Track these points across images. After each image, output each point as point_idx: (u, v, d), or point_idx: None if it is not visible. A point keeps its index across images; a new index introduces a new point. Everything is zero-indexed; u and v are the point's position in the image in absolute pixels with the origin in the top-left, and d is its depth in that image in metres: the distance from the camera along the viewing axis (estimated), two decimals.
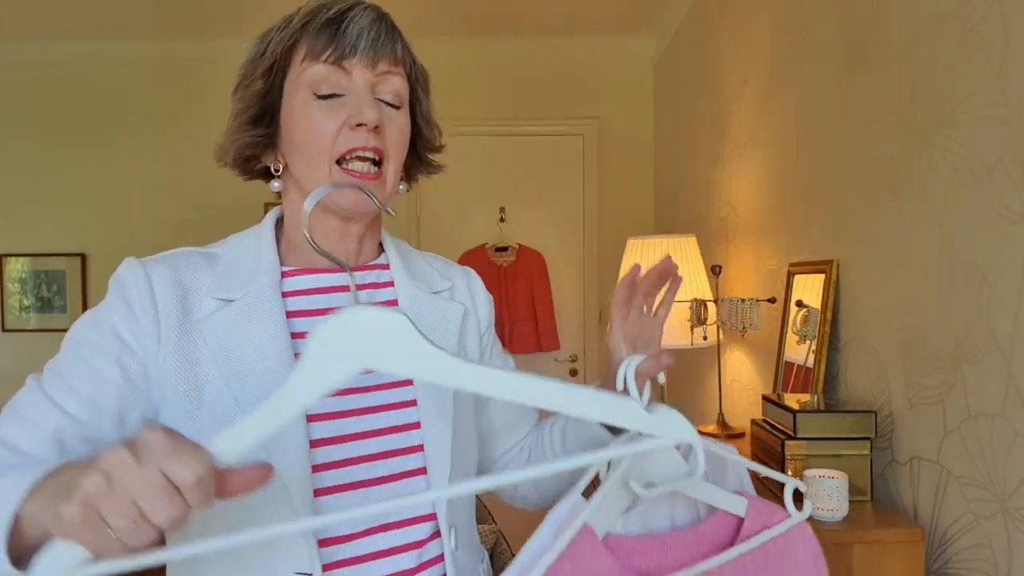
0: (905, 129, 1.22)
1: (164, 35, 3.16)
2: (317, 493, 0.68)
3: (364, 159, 0.70)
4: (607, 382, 0.78)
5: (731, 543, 0.64)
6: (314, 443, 0.69)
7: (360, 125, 0.69)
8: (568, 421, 0.84)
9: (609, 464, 0.64)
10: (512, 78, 3.32)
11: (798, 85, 1.68)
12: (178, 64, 3.27)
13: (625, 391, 0.70)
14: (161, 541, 0.47)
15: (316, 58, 0.69)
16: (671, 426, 0.54)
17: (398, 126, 0.74)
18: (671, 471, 0.63)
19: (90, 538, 0.43)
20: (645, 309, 0.79)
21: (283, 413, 0.48)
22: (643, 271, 0.76)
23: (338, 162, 0.70)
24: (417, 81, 0.78)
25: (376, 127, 0.70)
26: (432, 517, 0.73)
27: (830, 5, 1.52)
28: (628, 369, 0.63)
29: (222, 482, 0.47)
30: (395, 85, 0.73)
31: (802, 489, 0.69)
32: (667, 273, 0.76)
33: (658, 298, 0.82)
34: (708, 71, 2.45)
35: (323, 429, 0.70)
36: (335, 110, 0.70)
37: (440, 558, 0.73)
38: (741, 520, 0.66)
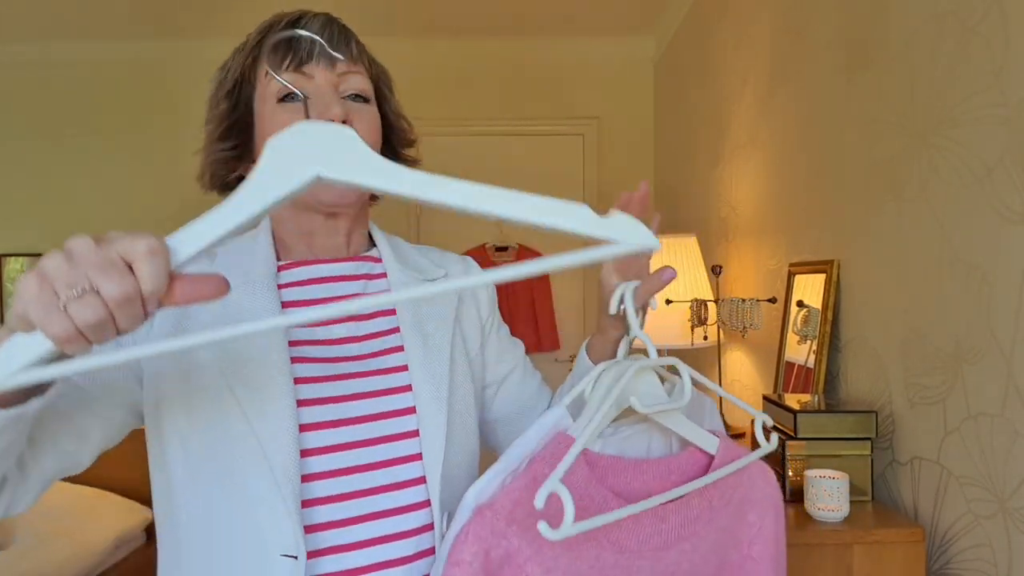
0: (905, 129, 1.22)
1: (164, 35, 3.16)
2: (305, 479, 0.68)
3: None
4: (599, 317, 0.82)
5: (700, 477, 0.68)
6: (305, 427, 0.69)
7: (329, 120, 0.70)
8: (573, 374, 0.86)
9: (594, 384, 0.68)
10: (512, 78, 3.32)
11: (798, 85, 1.68)
12: (178, 64, 3.27)
13: (619, 319, 0.77)
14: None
15: (277, 68, 0.72)
16: (628, 230, 0.51)
17: (367, 117, 0.76)
18: (656, 399, 0.66)
19: (40, 310, 0.43)
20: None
21: (243, 212, 0.48)
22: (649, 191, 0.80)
23: None
24: (380, 79, 0.81)
25: (344, 121, 0.71)
26: (426, 504, 0.73)
27: (830, 5, 1.52)
28: (626, 293, 0.65)
29: (177, 282, 0.46)
30: (357, 82, 0.76)
31: (768, 423, 0.75)
32: (664, 280, 0.77)
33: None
34: (708, 71, 2.45)
35: (314, 414, 0.70)
36: (301, 111, 0.72)
37: (434, 549, 0.73)
38: (712, 458, 0.69)
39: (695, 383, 0.70)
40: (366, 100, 0.77)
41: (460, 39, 3.25)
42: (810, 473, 1.14)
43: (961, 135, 1.07)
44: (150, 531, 2.64)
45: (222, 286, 0.48)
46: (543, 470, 0.60)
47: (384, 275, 0.81)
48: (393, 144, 0.85)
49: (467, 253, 3.26)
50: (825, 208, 1.54)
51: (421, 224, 3.32)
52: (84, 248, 0.44)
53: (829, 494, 1.11)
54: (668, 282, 0.72)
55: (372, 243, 0.86)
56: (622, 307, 0.74)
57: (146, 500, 2.70)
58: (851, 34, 1.42)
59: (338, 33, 0.75)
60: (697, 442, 0.70)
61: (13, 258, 3.28)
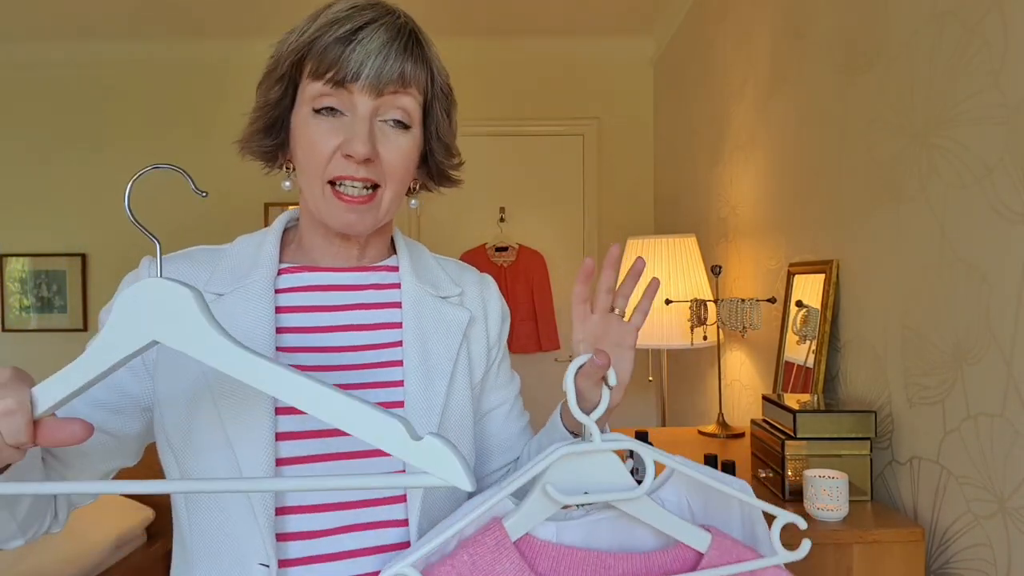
0: (905, 129, 1.22)
1: (165, 36, 3.16)
2: (281, 512, 0.67)
3: (356, 185, 0.70)
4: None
5: None
6: (283, 435, 0.69)
7: (350, 156, 0.68)
8: (543, 432, 0.83)
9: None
10: (512, 78, 3.32)
11: (798, 85, 1.68)
12: (179, 65, 3.27)
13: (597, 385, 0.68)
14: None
15: (319, 78, 0.68)
16: (435, 460, 0.48)
17: (400, 150, 0.71)
18: (613, 484, 0.58)
19: None
20: (616, 311, 0.75)
21: (89, 372, 0.53)
22: (595, 266, 0.72)
23: (331, 183, 0.70)
24: (436, 98, 0.75)
25: (367, 159, 0.68)
26: (404, 523, 0.72)
27: (830, 5, 1.52)
28: (569, 370, 0.60)
29: (41, 427, 0.52)
30: (401, 104, 0.70)
31: (801, 525, 0.59)
32: (638, 273, 0.73)
33: (631, 305, 0.79)
34: (708, 71, 2.45)
35: (294, 423, 0.69)
36: (333, 130, 0.69)
37: None
38: (700, 556, 0.58)
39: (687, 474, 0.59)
40: (406, 126, 0.71)
41: (460, 39, 3.25)
42: (809, 473, 1.14)
43: (961, 135, 1.07)
44: (151, 530, 2.65)
45: (79, 433, 0.52)
46: (464, 558, 0.56)
47: (398, 285, 0.79)
48: (432, 164, 0.79)
49: (467, 253, 3.26)
50: (825, 208, 1.54)
51: (422, 223, 3.32)
52: None
53: (828, 494, 1.11)
54: (601, 367, 0.65)
55: (395, 250, 0.83)
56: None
57: (147, 500, 2.70)
58: (851, 34, 1.42)
59: (396, 55, 0.68)
60: (676, 536, 0.59)
61: (13, 258, 3.28)
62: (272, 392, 0.52)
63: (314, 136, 0.69)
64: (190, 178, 0.57)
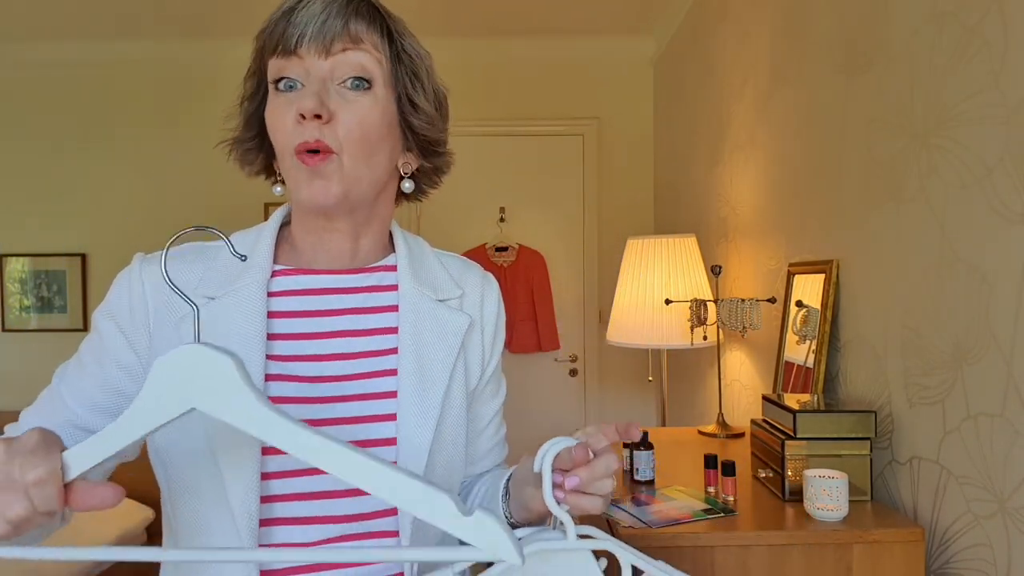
0: (905, 129, 1.22)
1: (164, 35, 3.16)
2: (266, 499, 0.66)
3: (312, 152, 0.66)
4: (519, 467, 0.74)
5: None
6: (271, 449, 0.66)
7: (303, 117, 0.66)
8: (488, 488, 0.81)
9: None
10: (512, 78, 3.32)
11: (798, 85, 1.68)
12: (178, 64, 3.27)
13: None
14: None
15: (273, 53, 0.68)
16: (484, 535, 0.47)
17: (360, 111, 0.67)
18: None
19: None
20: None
21: (125, 437, 0.52)
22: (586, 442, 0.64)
23: (297, 154, 0.67)
24: (399, 60, 0.71)
25: (317, 115, 0.65)
26: (394, 534, 0.70)
27: (830, 5, 1.52)
28: (547, 455, 0.56)
29: (72, 492, 0.51)
30: (356, 61, 0.67)
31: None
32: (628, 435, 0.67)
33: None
34: (708, 71, 2.45)
35: (281, 462, 0.67)
36: (290, 101, 0.67)
37: None
38: None
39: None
40: (367, 83, 0.68)
41: (459, 40, 3.25)
42: (809, 473, 1.14)
43: (961, 135, 1.07)
44: (151, 530, 2.65)
45: (109, 499, 0.51)
46: None
47: (395, 287, 0.77)
48: (411, 140, 0.75)
49: (467, 253, 3.26)
50: (825, 208, 1.54)
51: (422, 223, 3.32)
52: None
53: (828, 494, 1.11)
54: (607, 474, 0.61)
55: (394, 248, 0.80)
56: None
57: (146, 500, 2.70)
58: (851, 34, 1.42)
59: (337, 11, 0.67)
60: None
61: (13, 258, 3.28)
62: (321, 465, 0.51)
63: (275, 110, 0.68)
64: (229, 243, 0.59)
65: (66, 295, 3.27)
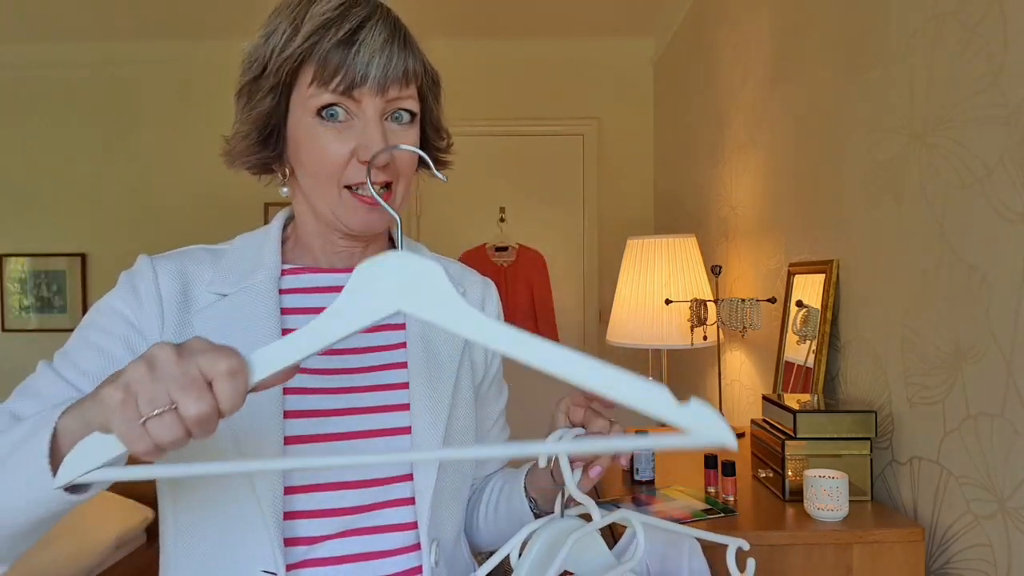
0: (905, 129, 1.22)
1: (164, 35, 3.16)
2: (289, 491, 0.67)
3: (375, 186, 0.68)
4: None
5: None
6: (291, 439, 0.68)
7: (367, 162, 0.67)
8: (504, 486, 0.83)
9: (521, 549, 0.61)
10: (512, 78, 3.32)
11: (798, 85, 1.68)
12: (178, 64, 3.27)
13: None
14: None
15: (325, 85, 0.66)
16: (705, 424, 0.46)
17: (409, 144, 0.71)
18: (597, 564, 0.57)
19: (123, 425, 0.44)
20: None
21: (323, 339, 0.49)
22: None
23: (348, 186, 0.69)
24: (429, 90, 0.75)
25: (385, 165, 0.68)
26: (413, 526, 0.71)
27: (830, 5, 1.52)
28: (560, 446, 0.59)
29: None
30: (406, 101, 0.70)
31: (744, 547, 0.65)
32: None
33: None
34: (708, 71, 2.45)
35: (303, 426, 0.69)
36: (343, 137, 0.67)
37: (419, 569, 0.71)
38: None
39: (645, 528, 0.62)
40: (411, 122, 0.72)
41: (459, 40, 3.25)
42: (809, 473, 1.14)
43: (961, 135, 1.07)
44: (151, 531, 2.65)
45: (280, 377, 0.49)
46: None
47: None
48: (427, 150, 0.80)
49: (467, 253, 3.26)
50: (825, 208, 1.54)
51: (422, 223, 3.32)
52: (166, 361, 0.45)
53: (828, 494, 1.11)
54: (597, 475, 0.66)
55: (394, 247, 0.83)
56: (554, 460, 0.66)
57: (147, 500, 2.70)
58: (851, 34, 1.42)
59: (398, 53, 0.67)
60: None
61: (13, 258, 3.28)
62: (539, 365, 0.48)
63: (325, 144, 0.67)
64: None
65: (66, 295, 3.27)
